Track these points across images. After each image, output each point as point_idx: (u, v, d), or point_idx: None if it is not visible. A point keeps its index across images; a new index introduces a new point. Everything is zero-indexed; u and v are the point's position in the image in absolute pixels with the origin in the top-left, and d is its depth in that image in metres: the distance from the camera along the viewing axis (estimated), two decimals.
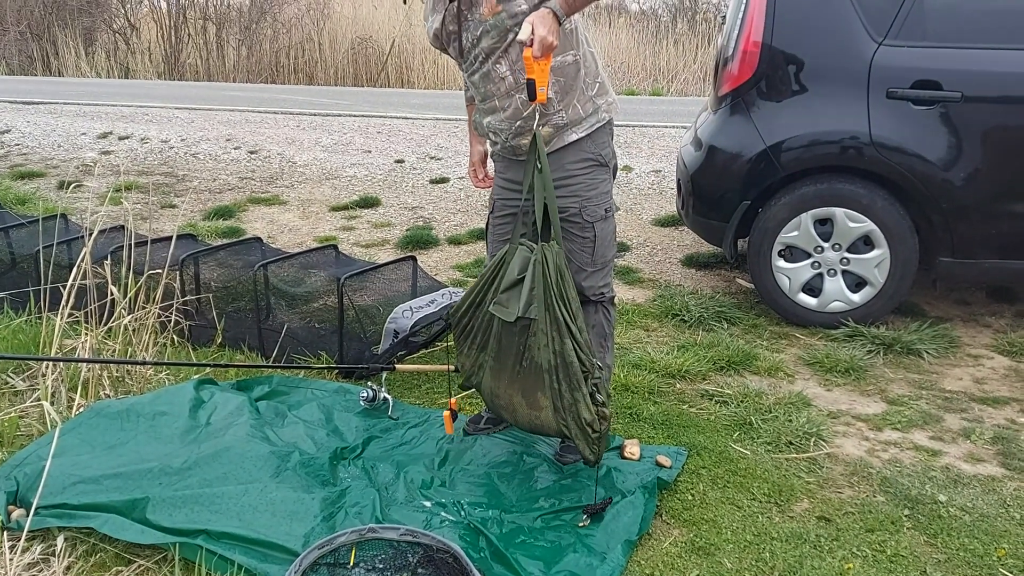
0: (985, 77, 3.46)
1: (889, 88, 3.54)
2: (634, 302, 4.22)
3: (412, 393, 3.22)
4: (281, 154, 7.38)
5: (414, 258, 3.84)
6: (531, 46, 2.17)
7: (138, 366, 3.15)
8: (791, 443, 2.84)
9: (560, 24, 2.23)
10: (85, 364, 2.96)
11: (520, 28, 2.23)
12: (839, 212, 3.67)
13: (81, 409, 2.81)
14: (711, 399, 3.18)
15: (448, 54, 2.63)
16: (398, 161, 7.13)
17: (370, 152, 7.47)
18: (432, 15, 2.59)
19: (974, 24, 3.52)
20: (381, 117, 9.17)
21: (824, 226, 3.73)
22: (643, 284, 4.53)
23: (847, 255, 3.73)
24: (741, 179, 3.85)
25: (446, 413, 2.70)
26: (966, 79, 3.45)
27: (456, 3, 2.45)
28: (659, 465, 2.62)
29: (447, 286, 3.87)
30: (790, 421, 2.97)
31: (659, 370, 3.38)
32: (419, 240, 5.23)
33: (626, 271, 4.69)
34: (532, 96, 2.24)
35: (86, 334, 3.08)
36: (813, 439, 2.86)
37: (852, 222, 3.66)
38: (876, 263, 3.69)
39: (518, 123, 2.48)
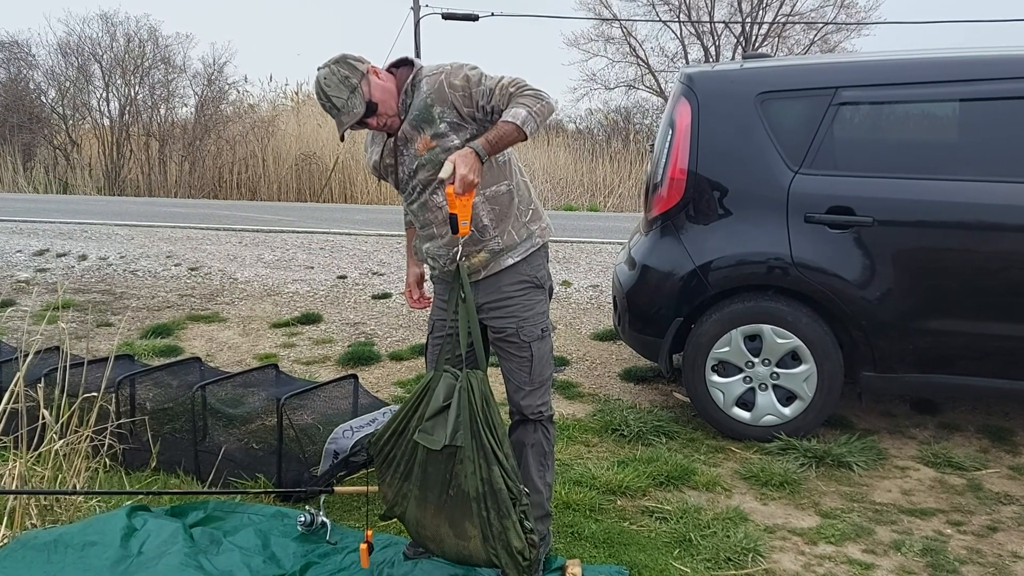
0: (893, 203, 3.69)
1: (807, 213, 3.77)
2: (574, 417, 4.27)
3: (352, 515, 3.18)
4: (222, 271, 7.39)
5: (355, 376, 3.86)
6: (454, 184, 2.29)
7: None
8: (730, 559, 2.87)
9: (482, 163, 2.36)
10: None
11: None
12: (767, 328, 3.83)
13: (7, 541, 2.70)
14: (651, 515, 3.21)
15: (388, 182, 2.75)
16: (340, 277, 7.20)
17: (312, 268, 7.53)
18: (371, 147, 2.73)
19: (880, 155, 3.80)
20: (324, 233, 9.28)
21: (754, 342, 3.88)
22: (583, 399, 4.59)
23: (776, 370, 3.87)
24: (673, 297, 4.01)
25: (363, 546, 2.60)
26: (876, 205, 3.69)
27: (393, 139, 2.59)
28: None
29: (388, 404, 3.88)
30: (728, 537, 3.01)
31: (600, 486, 3.41)
32: (361, 356, 5.23)
33: (566, 385, 4.76)
34: (455, 230, 2.35)
35: (14, 460, 2.99)
36: (751, 555, 2.90)
37: (779, 338, 3.82)
38: (804, 377, 3.83)
39: (455, 249, 2.58)
